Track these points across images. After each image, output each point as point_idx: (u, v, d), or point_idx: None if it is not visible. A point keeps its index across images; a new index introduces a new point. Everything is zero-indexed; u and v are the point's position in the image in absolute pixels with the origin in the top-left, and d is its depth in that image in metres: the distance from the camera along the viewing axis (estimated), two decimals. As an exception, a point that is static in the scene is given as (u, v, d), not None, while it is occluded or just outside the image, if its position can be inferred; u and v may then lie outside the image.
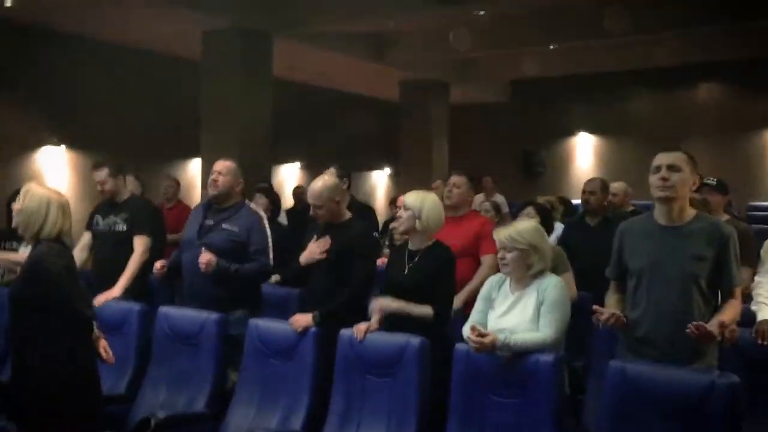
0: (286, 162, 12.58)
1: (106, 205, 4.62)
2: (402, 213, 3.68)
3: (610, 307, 3.08)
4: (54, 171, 9.17)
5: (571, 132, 14.23)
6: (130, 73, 9.73)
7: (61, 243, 3.32)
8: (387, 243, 5.87)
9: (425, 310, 3.45)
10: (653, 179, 2.97)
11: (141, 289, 4.52)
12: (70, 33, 8.94)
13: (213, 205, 4.20)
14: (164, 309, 4.11)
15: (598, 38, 9.92)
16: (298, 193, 9.72)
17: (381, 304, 3.47)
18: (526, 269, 3.18)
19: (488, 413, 3.09)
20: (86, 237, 4.65)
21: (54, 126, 9.11)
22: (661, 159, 2.97)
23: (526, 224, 3.26)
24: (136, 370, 4.13)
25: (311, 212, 3.99)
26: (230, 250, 4.04)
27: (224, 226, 4.10)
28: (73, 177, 9.36)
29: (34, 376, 3.14)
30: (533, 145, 14.43)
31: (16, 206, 3.26)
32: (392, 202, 7.95)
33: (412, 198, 3.66)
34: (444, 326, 3.54)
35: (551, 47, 10.71)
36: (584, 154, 14.18)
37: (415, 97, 12.76)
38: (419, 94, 12.74)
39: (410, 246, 3.69)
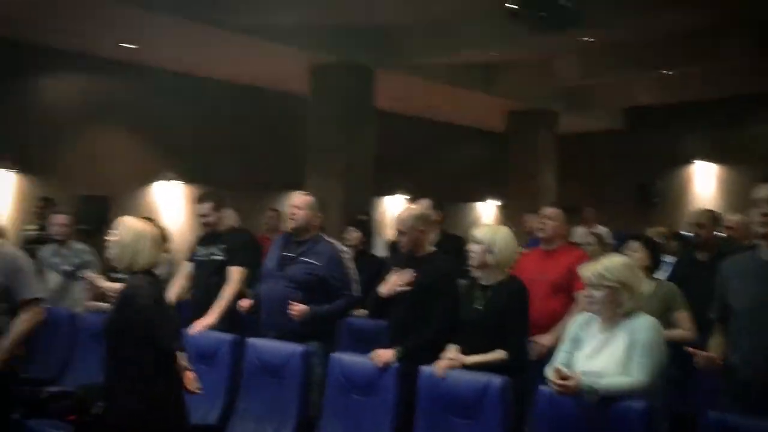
0: (391, 193, 12.64)
1: (206, 236, 4.76)
2: (473, 246, 3.58)
3: (711, 350, 2.85)
4: (169, 203, 9.62)
5: (688, 160, 13.52)
6: (241, 108, 10.11)
7: (152, 275, 3.43)
8: None
9: (499, 355, 3.38)
10: (755, 214, 2.73)
11: (233, 319, 4.59)
12: (181, 71, 9.42)
13: (292, 237, 4.24)
14: (252, 340, 4.15)
15: (714, 63, 9.43)
16: (401, 224, 9.72)
17: (454, 362, 3.36)
18: (615, 308, 2.99)
19: (574, 461, 2.90)
20: (187, 267, 4.80)
21: (170, 160, 9.57)
22: (764, 192, 2.73)
23: (615, 260, 3.07)
24: (226, 400, 4.18)
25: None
26: (309, 282, 4.06)
27: (303, 258, 4.12)
28: (187, 209, 9.78)
29: (122, 405, 3.23)
30: (647, 174, 13.81)
31: (112, 238, 3.39)
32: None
33: (483, 232, 3.60)
34: (523, 364, 3.40)
35: (665, 72, 10.28)
36: (703, 183, 13.42)
37: (523, 127, 12.53)
38: (526, 124, 12.50)
39: (482, 281, 3.58)
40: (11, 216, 8.10)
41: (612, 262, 3.02)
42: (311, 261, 4.11)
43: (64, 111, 8.59)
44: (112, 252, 3.37)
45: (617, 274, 2.98)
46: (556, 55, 9.76)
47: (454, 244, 4.97)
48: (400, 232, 3.84)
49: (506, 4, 6.39)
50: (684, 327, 3.91)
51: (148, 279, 3.38)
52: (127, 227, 3.38)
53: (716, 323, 2.99)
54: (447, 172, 12.97)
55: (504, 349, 3.41)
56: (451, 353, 3.42)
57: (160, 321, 3.36)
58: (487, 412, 3.15)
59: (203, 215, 4.68)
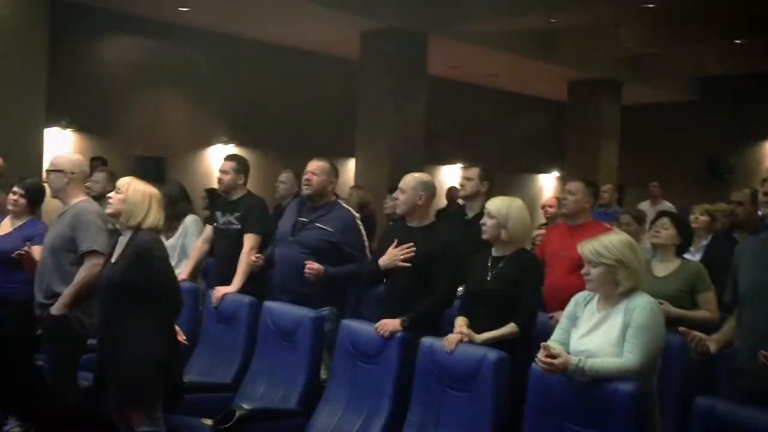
0: (447, 163, 12.52)
1: (223, 202, 4.83)
2: (486, 220, 3.51)
3: (722, 334, 2.75)
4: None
5: (762, 135, 12.89)
6: (291, 73, 10.15)
7: (158, 233, 3.54)
8: None
9: (510, 329, 3.32)
10: (760, 193, 2.58)
11: (257, 284, 4.67)
12: (234, 35, 9.52)
13: (307, 203, 4.25)
14: (269, 304, 4.22)
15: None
16: (452, 193, 9.63)
17: (465, 337, 3.29)
18: (613, 287, 2.89)
19: (563, 441, 2.84)
20: (208, 230, 4.90)
21: (225, 124, 9.73)
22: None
23: (614, 237, 2.96)
24: (242, 360, 4.28)
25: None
26: (322, 249, 4.08)
27: (318, 224, 4.14)
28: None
29: (122, 354, 3.35)
30: (718, 149, 13.23)
31: (116, 196, 3.48)
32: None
33: (496, 205, 3.51)
34: (528, 336, 3.34)
35: (736, 42, 9.76)
36: (778, 160, 12.80)
37: (585, 97, 12.18)
38: (589, 94, 12.14)
39: (494, 252, 3.52)
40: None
41: (611, 239, 2.91)
42: (324, 227, 4.12)
43: (122, 73, 8.82)
44: (118, 208, 3.44)
45: (615, 252, 2.86)
46: (619, 23, 9.36)
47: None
48: (401, 190, 3.80)
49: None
50: (708, 308, 3.75)
51: (156, 237, 3.50)
52: (134, 188, 3.47)
53: (732, 307, 2.86)
54: (506, 142, 12.76)
55: (515, 321, 3.35)
56: (462, 327, 3.37)
57: (174, 275, 3.51)
58: (481, 386, 3.11)
59: (223, 171, 4.75)
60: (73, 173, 4.02)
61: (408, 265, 3.68)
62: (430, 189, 3.84)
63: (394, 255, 3.72)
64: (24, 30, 5.91)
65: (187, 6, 8.37)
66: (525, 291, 3.40)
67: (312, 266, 4.02)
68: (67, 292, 3.86)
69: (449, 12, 8.84)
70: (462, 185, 4.65)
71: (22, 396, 4.50)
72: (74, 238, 3.90)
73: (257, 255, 4.46)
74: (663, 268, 3.90)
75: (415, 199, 3.78)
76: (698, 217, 5.20)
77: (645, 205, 8.69)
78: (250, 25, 9.22)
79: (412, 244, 3.70)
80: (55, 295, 3.90)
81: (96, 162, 7.46)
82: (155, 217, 3.45)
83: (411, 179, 3.82)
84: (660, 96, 13.15)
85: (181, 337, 3.61)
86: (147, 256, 3.35)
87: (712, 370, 3.45)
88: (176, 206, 5.17)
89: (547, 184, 14.64)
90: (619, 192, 12.64)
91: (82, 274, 3.86)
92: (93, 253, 3.86)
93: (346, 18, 8.45)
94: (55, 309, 3.87)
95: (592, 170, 11.85)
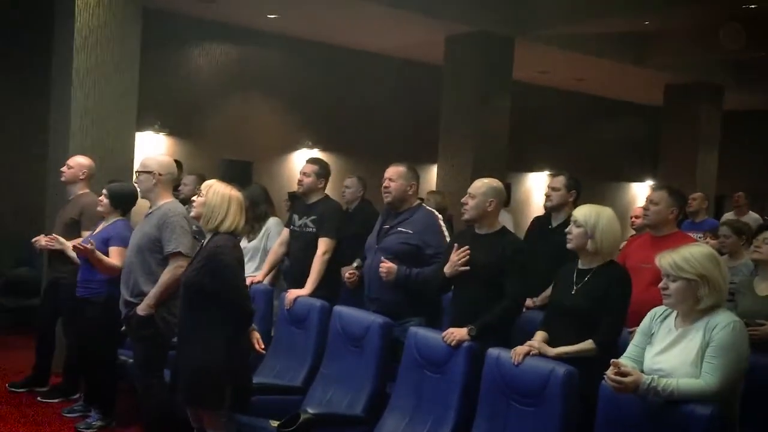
0: (535, 170, 12.26)
1: (301, 205, 4.86)
2: (572, 228, 3.37)
3: None
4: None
5: None
6: (376, 79, 10.18)
7: (235, 237, 3.57)
8: None
9: (587, 346, 3.16)
10: None
11: (331, 288, 4.67)
12: (320, 41, 9.62)
13: (390, 209, 4.21)
14: (339, 308, 4.21)
15: None
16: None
17: (534, 350, 3.18)
18: (694, 303, 2.71)
19: (634, 464, 2.69)
20: (285, 233, 4.94)
21: (310, 129, 9.86)
22: None
23: (695, 249, 2.76)
24: (312, 364, 4.29)
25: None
26: (404, 252, 4.03)
27: (399, 228, 4.09)
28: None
29: (195, 359, 3.39)
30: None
31: (199, 199, 3.55)
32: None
33: (583, 213, 3.33)
34: (609, 354, 3.16)
35: None
36: None
37: (682, 102, 11.60)
38: (686, 99, 11.56)
39: (580, 264, 3.36)
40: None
41: (692, 252, 2.72)
42: (406, 230, 4.07)
43: (211, 79, 9.06)
44: (198, 211, 3.52)
45: (696, 266, 2.68)
46: (717, 25, 8.90)
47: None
48: (470, 195, 3.70)
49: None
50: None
51: (233, 241, 3.53)
52: (214, 190, 3.52)
53: None
54: (596, 148, 12.37)
55: (593, 338, 3.20)
56: (536, 341, 3.25)
57: (242, 281, 3.52)
58: (549, 401, 2.99)
59: (304, 173, 4.78)
60: (160, 174, 4.09)
61: (467, 268, 3.58)
62: (500, 195, 3.73)
63: (453, 261, 3.64)
64: (117, 38, 6.13)
65: (276, 13, 8.53)
66: (609, 308, 3.21)
67: (384, 264, 3.97)
68: (152, 293, 3.94)
69: (536, 15, 8.64)
70: (548, 195, 4.51)
71: (105, 391, 4.67)
72: (160, 239, 3.97)
73: (351, 271, 4.45)
74: (766, 286, 3.65)
75: (484, 204, 3.68)
76: None
77: (730, 216, 8.23)
78: (336, 31, 9.30)
79: (467, 247, 3.60)
80: (142, 294, 3.99)
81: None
82: (233, 220, 3.47)
83: (481, 184, 3.72)
84: (764, 102, 12.46)
85: (259, 346, 3.59)
86: (216, 262, 3.38)
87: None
88: (258, 208, 5.25)
89: (641, 193, 14.10)
90: (717, 202, 12.09)
91: (167, 275, 3.93)
92: (177, 254, 3.92)
93: (431, 23, 8.39)
94: (141, 309, 3.95)
95: (689, 179, 11.33)
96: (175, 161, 7.93)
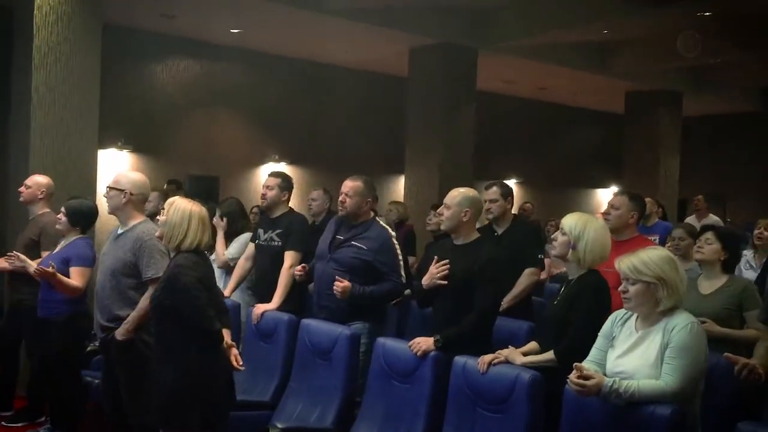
0: (501, 179, 12.32)
1: (266, 220, 4.85)
2: (557, 236, 3.35)
3: (756, 358, 2.57)
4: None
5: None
6: (341, 92, 10.23)
7: (200, 254, 3.51)
8: None
9: (549, 356, 3.16)
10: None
11: (297, 301, 4.66)
12: (284, 55, 9.64)
13: (344, 221, 4.23)
14: (306, 321, 4.19)
15: None
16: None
17: (499, 357, 3.19)
18: (653, 305, 2.75)
19: (599, 467, 2.72)
20: (251, 248, 4.91)
21: (276, 143, 9.84)
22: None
23: (653, 252, 2.81)
24: (282, 378, 4.26)
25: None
26: (357, 267, 4.05)
27: (354, 242, 4.11)
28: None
29: (169, 381, 3.33)
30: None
31: (161, 218, 3.51)
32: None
33: (571, 222, 3.27)
34: (571, 361, 3.19)
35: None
36: None
37: (643, 109, 11.86)
38: (647, 106, 11.82)
39: (568, 275, 3.38)
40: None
41: (650, 255, 2.77)
42: (360, 245, 4.08)
43: (175, 94, 9.03)
44: (160, 230, 3.47)
45: (655, 269, 2.73)
46: (674, 32, 9.10)
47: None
48: (446, 206, 3.69)
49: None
50: (756, 326, 3.54)
51: (193, 258, 3.44)
52: (175, 207, 3.46)
53: (765, 328, 2.69)
54: (561, 156, 12.51)
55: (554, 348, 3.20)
56: (507, 350, 3.24)
57: (204, 300, 3.41)
58: (515, 407, 3.01)
59: (267, 187, 4.77)
60: (132, 194, 3.94)
61: (445, 282, 3.60)
62: (475, 205, 3.72)
63: (432, 274, 3.65)
64: (77, 55, 6.07)
65: (238, 28, 8.52)
66: (575, 317, 3.16)
67: (339, 283, 3.99)
68: (130, 317, 3.83)
69: (498, 26, 8.77)
70: (488, 209, 4.51)
71: (71, 412, 4.59)
72: (137, 264, 3.84)
73: (302, 265, 4.44)
74: (708, 285, 3.72)
75: (459, 215, 3.67)
76: (763, 232, 4.96)
77: (691, 220, 8.38)
78: (300, 45, 9.34)
79: (447, 261, 3.61)
80: (117, 319, 3.87)
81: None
82: (194, 237, 3.38)
83: (456, 194, 3.71)
84: (722, 107, 12.74)
85: (237, 363, 3.47)
86: (173, 281, 3.30)
87: (761, 394, 3.26)
88: (236, 224, 5.24)
89: (606, 199, 14.29)
90: (680, 206, 12.31)
91: (146, 302, 3.75)
92: (157, 280, 3.75)
93: (395, 35, 8.47)
94: (119, 334, 3.84)
95: (652, 184, 11.55)
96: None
